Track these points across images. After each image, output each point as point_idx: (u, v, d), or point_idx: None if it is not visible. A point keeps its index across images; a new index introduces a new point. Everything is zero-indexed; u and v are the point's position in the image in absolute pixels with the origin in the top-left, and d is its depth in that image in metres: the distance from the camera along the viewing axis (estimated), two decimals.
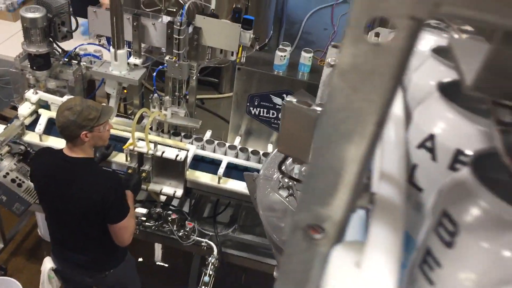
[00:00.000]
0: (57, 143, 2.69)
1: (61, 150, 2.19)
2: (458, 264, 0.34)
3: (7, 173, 2.55)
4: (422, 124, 0.48)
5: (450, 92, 0.45)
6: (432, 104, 0.47)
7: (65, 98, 2.72)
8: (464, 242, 0.33)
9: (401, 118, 0.51)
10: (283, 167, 1.29)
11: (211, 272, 2.61)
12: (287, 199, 1.54)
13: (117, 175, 2.36)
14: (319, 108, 0.67)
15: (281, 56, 2.76)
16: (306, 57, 2.76)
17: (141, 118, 2.74)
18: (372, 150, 0.39)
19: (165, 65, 2.66)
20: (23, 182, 2.58)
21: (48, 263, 2.45)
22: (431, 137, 0.46)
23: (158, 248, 3.68)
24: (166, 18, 2.63)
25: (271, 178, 1.68)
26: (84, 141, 2.10)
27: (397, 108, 0.53)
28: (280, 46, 2.80)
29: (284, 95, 2.85)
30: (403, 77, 0.40)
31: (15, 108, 2.94)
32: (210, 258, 2.66)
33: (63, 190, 2.12)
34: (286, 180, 1.56)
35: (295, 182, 1.41)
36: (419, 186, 0.50)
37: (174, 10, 3.01)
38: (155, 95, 2.67)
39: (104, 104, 2.56)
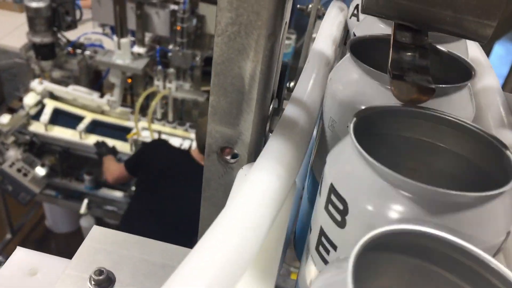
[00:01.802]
0: (62, 133, 2.71)
1: (189, 153, 2.21)
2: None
3: (13, 163, 2.57)
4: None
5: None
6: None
7: (70, 88, 2.74)
8: None
9: (330, 58, 0.50)
10: None
11: None
12: None
13: None
14: None
15: (286, 44, 2.73)
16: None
17: (146, 107, 2.73)
18: (271, 66, 0.38)
19: (168, 49, 2.64)
20: (29, 171, 2.59)
21: None
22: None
23: None
24: (171, 7, 2.61)
25: None
26: None
27: (329, 51, 0.51)
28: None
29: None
30: None
31: (22, 100, 2.96)
32: None
33: (183, 190, 2.13)
34: None
35: None
36: None
37: (182, 0, 3.01)
38: (159, 67, 2.63)
39: None
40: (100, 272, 0.39)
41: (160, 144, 2.37)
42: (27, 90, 2.77)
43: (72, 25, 2.71)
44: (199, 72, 2.76)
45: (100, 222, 2.98)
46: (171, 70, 2.64)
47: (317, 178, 0.43)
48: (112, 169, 2.37)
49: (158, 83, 2.65)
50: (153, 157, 2.24)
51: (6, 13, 3.40)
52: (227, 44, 0.36)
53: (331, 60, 0.49)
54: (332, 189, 0.29)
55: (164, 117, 2.79)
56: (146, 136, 2.66)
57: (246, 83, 0.37)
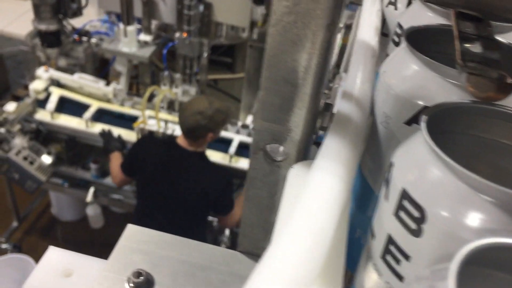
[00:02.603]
0: (68, 121, 2.69)
1: (176, 142, 2.21)
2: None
3: (19, 151, 2.56)
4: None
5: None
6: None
7: (76, 76, 2.71)
8: None
9: (375, 49, 0.47)
10: None
11: None
12: None
13: (228, 170, 2.47)
14: None
15: None
16: None
17: (152, 96, 2.71)
18: (327, 58, 0.36)
19: (175, 42, 2.62)
20: (35, 160, 2.58)
21: None
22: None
23: None
24: None
25: None
26: (207, 140, 2.18)
27: (373, 41, 0.48)
28: None
29: None
30: None
31: (28, 88, 2.94)
32: (221, 237, 2.64)
33: (180, 180, 2.16)
34: None
35: None
36: None
37: None
38: (166, 73, 2.65)
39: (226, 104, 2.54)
40: (138, 274, 0.37)
41: (147, 141, 2.38)
42: (33, 77, 2.74)
43: (78, 13, 2.67)
44: (204, 76, 2.76)
45: (106, 210, 2.97)
46: (178, 76, 2.63)
47: (366, 177, 0.41)
48: (115, 173, 2.38)
49: (165, 88, 2.64)
50: (144, 155, 2.25)
51: (11, 0, 3.37)
52: (282, 35, 0.33)
53: (376, 51, 0.47)
54: (405, 195, 0.27)
55: (170, 105, 2.78)
56: (153, 125, 2.64)
57: (300, 76, 0.35)
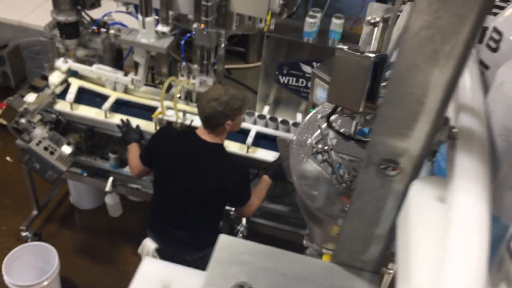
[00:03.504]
0: (87, 112, 2.71)
1: (195, 133, 2.25)
2: None
3: (40, 141, 2.59)
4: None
5: None
6: None
7: (95, 67, 2.73)
8: None
9: (475, 55, 0.47)
10: (331, 118, 1.19)
11: None
12: (321, 164, 1.51)
13: (245, 161, 2.48)
14: (372, 55, 0.61)
15: (311, 22, 2.69)
16: (337, 24, 2.69)
17: (170, 87, 2.73)
18: (459, 74, 0.35)
19: (193, 33, 2.62)
20: (55, 150, 2.61)
21: (151, 244, 2.39)
22: None
23: None
24: None
25: (305, 144, 1.65)
26: (226, 129, 2.20)
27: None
28: (310, 12, 2.73)
29: (314, 63, 2.79)
30: None
31: (45, 78, 2.96)
32: (238, 227, 2.67)
33: (197, 171, 2.20)
34: (320, 145, 1.53)
35: (331, 147, 1.38)
36: None
37: None
38: (184, 63, 2.66)
39: (244, 92, 2.55)
40: (241, 286, 0.39)
41: (166, 132, 2.42)
42: (52, 68, 2.76)
43: (96, 4, 2.68)
44: (222, 67, 2.76)
45: (123, 199, 3.01)
46: (195, 67, 2.64)
47: None
48: (134, 164, 2.43)
49: (182, 78, 2.66)
50: (162, 146, 2.28)
51: None
52: (416, 49, 0.34)
53: (476, 55, 0.47)
54: None
55: (188, 96, 2.79)
56: (171, 115, 2.66)
57: (429, 92, 0.35)
